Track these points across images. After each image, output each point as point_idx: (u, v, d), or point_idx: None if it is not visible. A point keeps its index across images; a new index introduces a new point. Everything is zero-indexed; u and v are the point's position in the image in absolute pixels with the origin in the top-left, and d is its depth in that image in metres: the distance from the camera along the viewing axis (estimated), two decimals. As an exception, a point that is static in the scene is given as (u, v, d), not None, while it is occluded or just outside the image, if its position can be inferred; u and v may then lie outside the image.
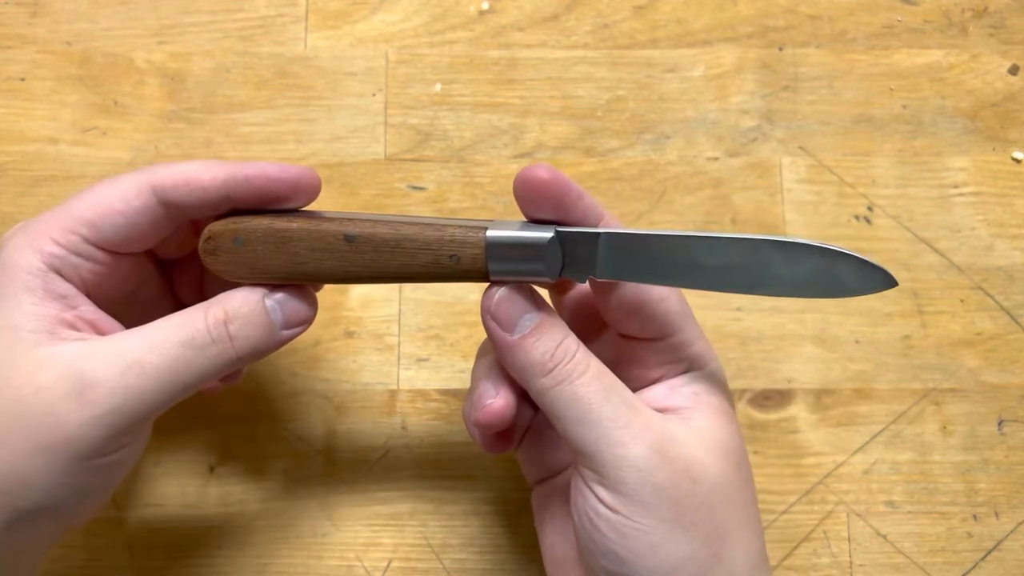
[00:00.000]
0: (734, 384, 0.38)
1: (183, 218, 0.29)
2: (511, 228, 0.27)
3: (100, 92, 0.41)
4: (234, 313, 0.28)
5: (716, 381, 0.30)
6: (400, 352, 0.38)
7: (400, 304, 0.39)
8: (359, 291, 0.39)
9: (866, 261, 0.26)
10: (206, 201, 0.28)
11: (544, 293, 0.30)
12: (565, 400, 0.26)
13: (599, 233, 0.27)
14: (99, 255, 0.28)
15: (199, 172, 0.28)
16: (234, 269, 0.28)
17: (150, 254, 0.31)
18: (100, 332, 0.28)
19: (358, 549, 0.37)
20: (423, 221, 0.28)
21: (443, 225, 0.28)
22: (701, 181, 0.40)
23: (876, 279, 0.26)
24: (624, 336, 0.30)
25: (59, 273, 0.27)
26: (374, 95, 0.41)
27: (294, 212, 0.29)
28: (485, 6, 0.42)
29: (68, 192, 0.39)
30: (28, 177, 0.40)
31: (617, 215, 0.40)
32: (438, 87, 0.41)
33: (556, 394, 0.26)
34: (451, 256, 0.27)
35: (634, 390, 0.28)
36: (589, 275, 0.28)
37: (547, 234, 0.27)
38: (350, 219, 0.28)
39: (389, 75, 0.41)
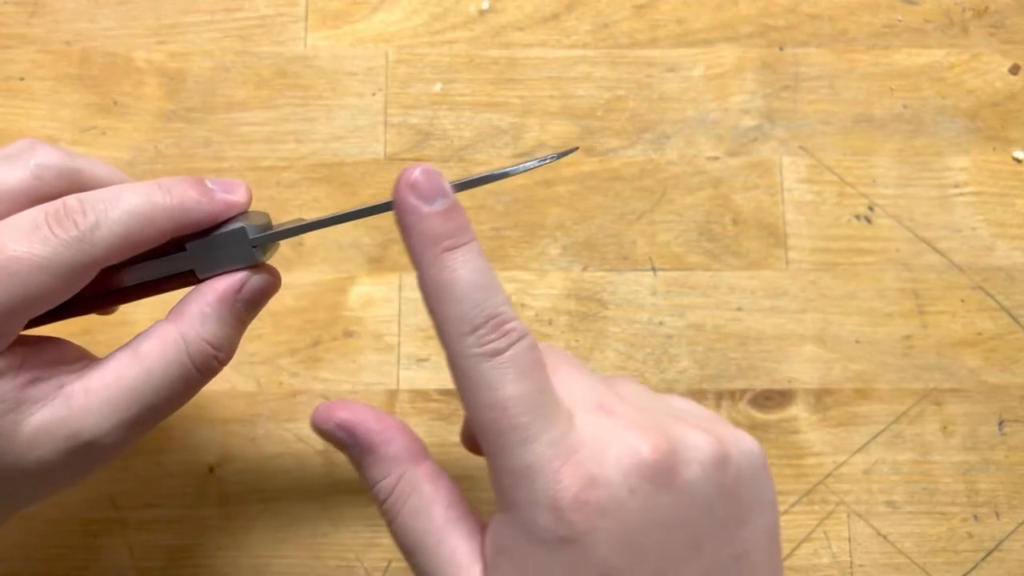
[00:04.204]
0: (734, 384, 0.38)
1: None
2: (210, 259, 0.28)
3: (100, 92, 0.41)
4: (219, 344, 0.27)
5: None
6: (400, 352, 0.38)
7: (400, 304, 0.39)
8: (359, 291, 0.39)
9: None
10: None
11: None
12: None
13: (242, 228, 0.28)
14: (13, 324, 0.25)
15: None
16: None
17: None
18: (60, 362, 0.26)
19: (358, 549, 0.37)
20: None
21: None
22: (701, 181, 0.40)
23: None
24: None
25: None
26: (374, 95, 0.41)
27: None
28: (485, 5, 0.42)
29: (68, 192, 0.39)
30: (28, 177, 0.40)
31: (617, 215, 0.40)
32: (438, 87, 0.41)
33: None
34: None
35: None
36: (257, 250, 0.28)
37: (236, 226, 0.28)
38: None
39: (389, 75, 0.41)
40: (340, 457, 0.37)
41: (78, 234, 0.24)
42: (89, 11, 0.41)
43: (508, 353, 0.24)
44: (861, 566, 0.37)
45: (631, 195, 0.40)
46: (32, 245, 0.24)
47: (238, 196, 0.28)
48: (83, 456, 0.25)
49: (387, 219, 0.39)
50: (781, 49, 0.41)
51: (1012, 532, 0.37)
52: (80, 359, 0.27)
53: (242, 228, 0.28)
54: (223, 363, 0.27)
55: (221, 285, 0.27)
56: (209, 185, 0.27)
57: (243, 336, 0.29)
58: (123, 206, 0.25)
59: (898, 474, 0.37)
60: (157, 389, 0.26)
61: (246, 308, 0.28)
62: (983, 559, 0.37)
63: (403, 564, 0.36)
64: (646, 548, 0.22)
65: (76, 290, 0.25)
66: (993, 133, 0.40)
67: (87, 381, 0.26)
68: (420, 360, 0.38)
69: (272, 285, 0.28)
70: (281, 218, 0.37)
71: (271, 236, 0.28)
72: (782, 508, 0.37)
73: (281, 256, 0.38)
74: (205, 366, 0.26)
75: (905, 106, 0.41)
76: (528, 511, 0.23)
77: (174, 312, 0.27)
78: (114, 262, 0.26)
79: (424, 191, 0.25)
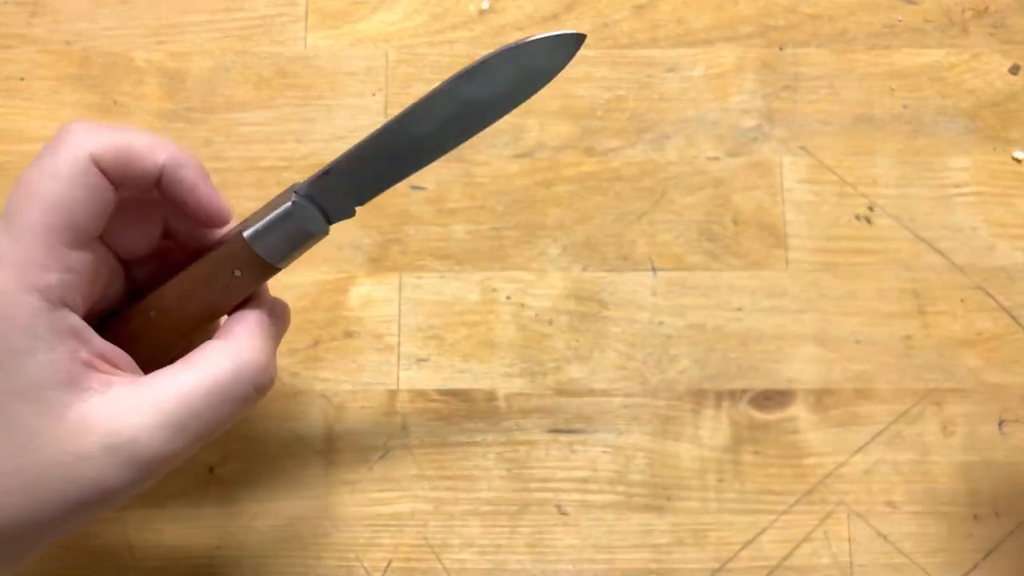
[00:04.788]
0: (734, 384, 0.38)
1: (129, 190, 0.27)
2: (260, 216, 0.28)
3: (100, 92, 0.41)
4: (268, 364, 0.28)
5: None
6: (400, 352, 0.38)
7: (400, 304, 0.39)
8: (359, 291, 0.39)
9: (541, 37, 0.27)
10: (144, 184, 0.26)
11: None
12: None
13: (328, 171, 0.28)
14: (76, 259, 0.25)
15: (141, 151, 0.26)
16: None
17: (112, 251, 0.29)
18: (113, 364, 0.26)
19: (358, 549, 0.37)
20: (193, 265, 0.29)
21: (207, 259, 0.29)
22: (701, 181, 0.40)
23: (562, 44, 0.27)
24: None
25: (64, 304, 0.24)
26: (374, 95, 0.41)
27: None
28: (485, 5, 0.42)
29: (68, 192, 0.39)
30: (28, 177, 0.40)
31: (617, 215, 0.40)
32: (438, 87, 0.41)
33: None
34: (234, 271, 0.28)
35: None
36: (353, 206, 0.29)
37: (287, 203, 0.28)
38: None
39: (389, 75, 0.41)
40: (340, 457, 0.37)
41: None
42: (89, 11, 0.41)
43: None
44: (861, 566, 0.37)
45: (631, 195, 0.40)
46: None
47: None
48: (122, 460, 0.24)
49: (387, 219, 0.39)
50: (781, 49, 0.41)
51: (1012, 532, 0.37)
52: (133, 371, 0.27)
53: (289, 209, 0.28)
54: (272, 380, 0.28)
55: (257, 309, 0.29)
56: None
57: None
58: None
59: (898, 474, 0.37)
60: (208, 404, 0.26)
61: (280, 336, 0.30)
62: (983, 559, 0.37)
63: (403, 564, 0.36)
64: None
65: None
66: (993, 133, 0.40)
67: (136, 384, 0.26)
68: (420, 360, 0.38)
69: (286, 307, 0.31)
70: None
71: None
72: (782, 508, 0.37)
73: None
74: (258, 378, 0.27)
75: (905, 106, 0.41)
76: None
77: (222, 332, 0.28)
78: None
79: None
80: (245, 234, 0.28)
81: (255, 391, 0.27)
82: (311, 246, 0.29)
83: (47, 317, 0.24)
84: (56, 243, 0.24)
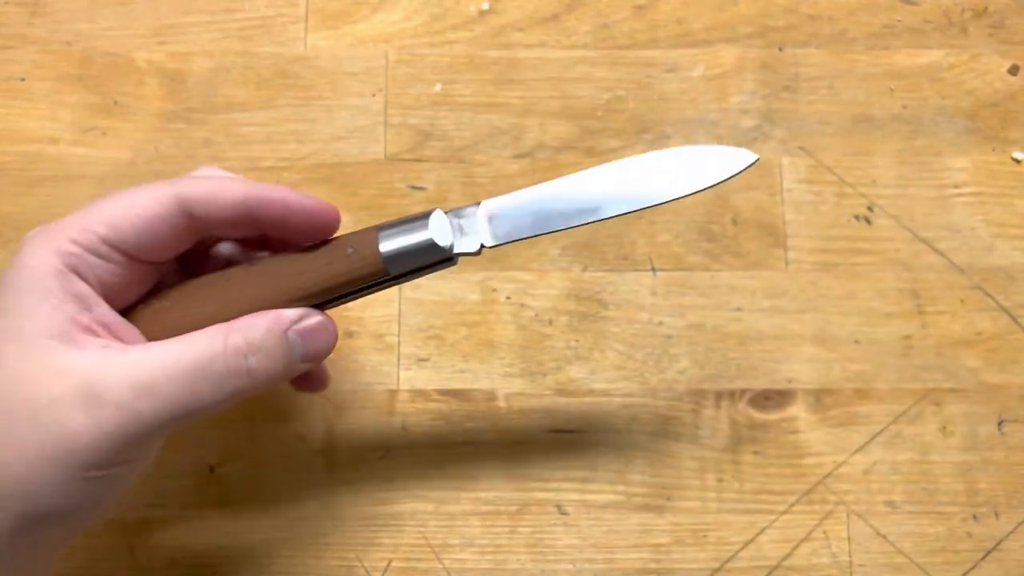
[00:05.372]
0: (734, 384, 0.38)
1: (205, 232, 0.29)
2: (397, 224, 0.29)
3: (100, 92, 0.41)
4: (257, 345, 0.27)
5: None
6: (400, 352, 0.38)
7: (400, 304, 0.39)
8: (359, 291, 0.39)
9: (723, 149, 0.29)
10: (227, 219, 0.28)
11: None
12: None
13: (479, 204, 0.29)
14: (117, 257, 0.27)
15: (223, 188, 0.28)
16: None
17: (175, 259, 0.31)
18: (117, 337, 0.27)
19: (358, 549, 0.37)
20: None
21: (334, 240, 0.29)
22: (701, 181, 0.40)
23: (737, 162, 0.29)
24: None
25: (76, 273, 0.27)
26: (374, 95, 0.41)
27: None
28: (485, 6, 0.42)
29: (68, 192, 0.39)
30: (28, 177, 0.40)
31: (617, 215, 0.40)
32: (438, 87, 0.41)
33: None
34: (347, 248, 0.28)
35: None
36: (480, 245, 0.29)
37: (431, 210, 0.28)
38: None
39: (389, 75, 0.41)
40: (340, 457, 0.37)
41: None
42: (89, 11, 0.41)
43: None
44: (861, 566, 0.37)
45: (631, 195, 0.40)
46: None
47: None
48: (90, 410, 0.25)
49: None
50: (781, 49, 0.41)
51: (1011, 532, 0.37)
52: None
53: (431, 240, 0.28)
54: (255, 377, 0.27)
55: (285, 311, 0.28)
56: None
57: None
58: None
59: (897, 474, 0.37)
60: (182, 372, 0.26)
61: (299, 343, 0.28)
62: (982, 559, 0.37)
63: (403, 564, 0.36)
64: None
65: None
66: (992, 133, 0.40)
67: (125, 350, 0.26)
68: (420, 360, 0.38)
69: (324, 329, 0.29)
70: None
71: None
72: (782, 508, 0.37)
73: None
74: (235, 360, 0.27)
75: (904, 106, 0.41)
76: None
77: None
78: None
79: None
80: (380, 225, 0.29)
81: (226, 373, 0.27)
82: (427, 265, 0.29)
83: (59, 278, 0.26)
84: (93, 229, 0.27)
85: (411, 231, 0.28)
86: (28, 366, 0.25)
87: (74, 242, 0.27)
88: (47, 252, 0.26)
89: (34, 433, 0.25)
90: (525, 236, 0.29)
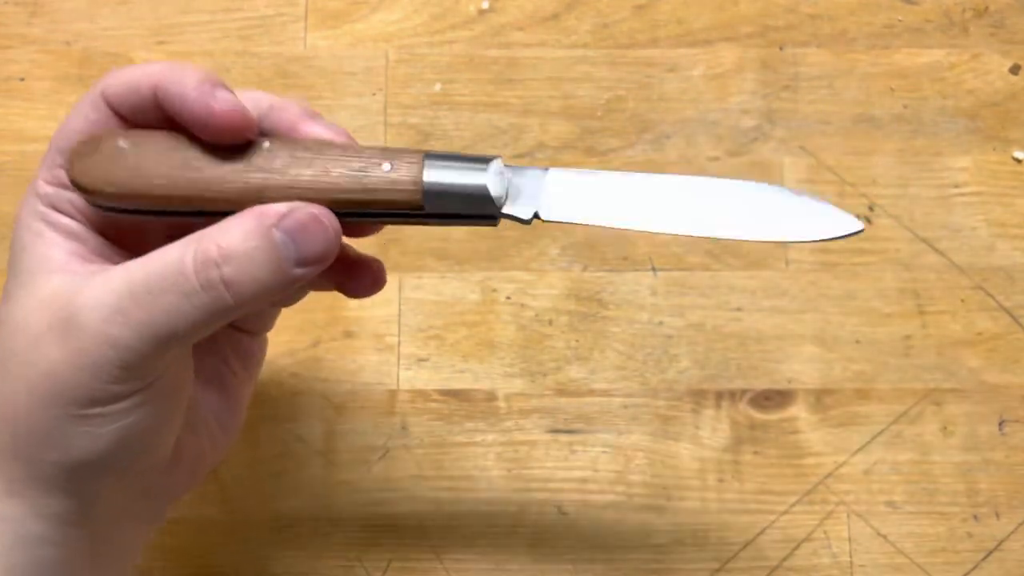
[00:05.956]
0: (734, 384, 0.38)
1: (154, 124, 0.26)
2: (449, 158, 0.25)
3: (100, 92, 0.41)
4: (230, 251, 0.23)
5: None
6: (400, 352, 0.38)
7: (400, 304, 0.39)
8: (359, 291, 0.39)
9: (827, 207, 0.26)
10: (150, 108, 0.25)
11: None
12: None
13: (547, 170, 0.26)
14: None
15: (138, 77, 0.24)
16: (107, 178, 0.24)
17: None
18: (111, 260, 0.26)
19: (358, 549, 0.37)
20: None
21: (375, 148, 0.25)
22: (701, 181, 0.40)
23: (838, 225, 0.26)
24: None
25: (57, 210, 0.25)
26: (374, 95, 0.41)
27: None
28: (485, 5, 0.42)
29: (68, 192, 0.39)
30: (28, 177, 0.39)
31: (617, 215, 0.40)
32: (438, 87, 0.41)
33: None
34: (383, 163, 0.25)
35: None
36: (534, 213, 0.26)
37: (488, 166, 0.25)
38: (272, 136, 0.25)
39: (389, 75, 0.41)
40: (340, 457, 0.37)
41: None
42: (89, 11, 0.41)
43: None
44: (861, 566, 0.37)
45: (631, 195, 0.40)
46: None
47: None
48: (64, 337, 0.23)
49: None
50: (781, 49, 0.41)
51: (1012, 532, 0.37)
52: None
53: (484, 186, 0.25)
54: (236, 289, 0.23)
55: (269, 209, 0.24)
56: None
57: None
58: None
59: (898, 474, 0.37)
60: (148, 289, 0.23)
61: (289, 243, 0.24)
62: (983, 559, 0.37)
63: (403, 564, 0.36)
64: None
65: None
66: (993, 133, 0.40)
67: (107, 268, 0.24)
68: (420, 360, 0.38)
69: (317, 222, 0.24)
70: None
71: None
72: (782, 508, 0.37)
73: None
74: (203, 272, 0.23)
75: (905, 106, 0.41)
76: None
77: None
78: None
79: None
80: (427, 153, 0.25)
81: (195, 281, 0.23)
82: (468, 215, 0.26)
83: (44, 219, 0.25)
84: (55, 162, 0.25)
85: (465, 170, 0.25)
86: (31, 303, 0.24)
87: (46, 182, 0.25)
88: (30, 198, 0.26)
89: (26, 374, 0.24)
90: (582, 223, 0.26)
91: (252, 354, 0.32)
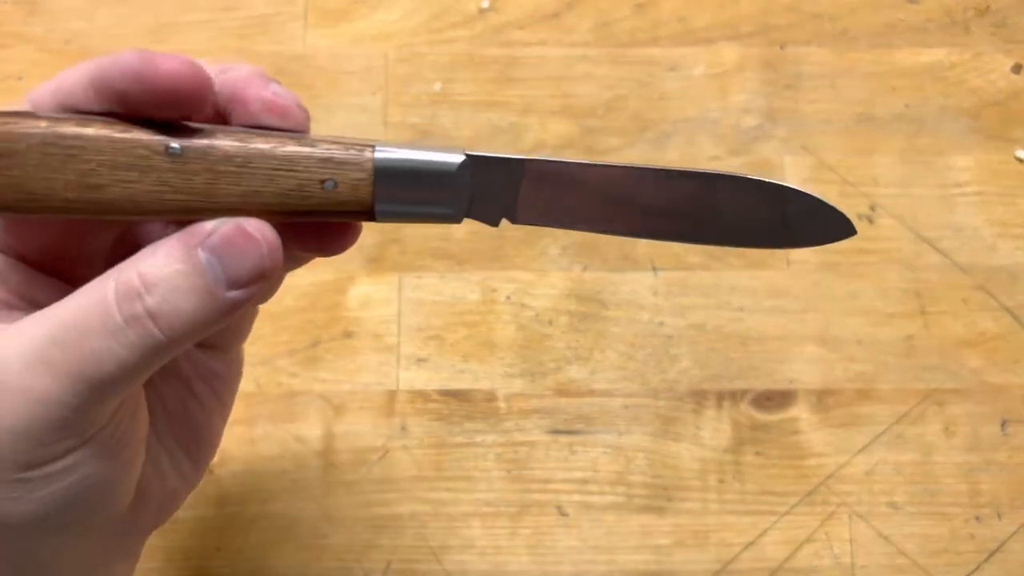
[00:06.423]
0: (735, 384, 0.38)
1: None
2: (405, 149, 0.22)
3: (98, 91, 0.40)
4: (151, 279, 0.20)
5: None
6: (399, 352, 0.38)
7: (400, 304, 0.39)
8: (358, 291, 0.39)
9: (823, 203, 0.23)
10: (79, 107, 0.21)
11: None
12: None
13: (524, 160, 0.22)
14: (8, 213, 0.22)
15: (68, 76, 0.21)
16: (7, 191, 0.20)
17: None
18: (36, 303, 0.22)
19: (357, 551, 0.37)
20: (285, 135, 0.22)
21: (314, 140, 0.22)
22: (702, 180, 0.40)
23: (833, 226, 0.23)
24: None
25: None
26: (374, 94, 0.41)
27: (100, 114, 0.21)
28: (485, 4, 0.42)
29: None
30: (26, 176, 0.40)
31: (618, 215, 0.40)
32: (438, 86, 0.41)
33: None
34: (324, 182, 0.21)
35: None
36: (504, 217, 0.23)
37: (455, 158, 0.21)
38: (178, 128, 0.21)
39: (388, 74, 0.41)
40: (339, 458, 0.37)
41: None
42: (87, 10, 0.41)
43: None
44: (863, 567, 0.36)
45: (632, 195, 0.40)
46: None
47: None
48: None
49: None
50: (782, 48, 0.41)
51: (1014, 533, 0.37)
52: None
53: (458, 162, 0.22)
54: (164, 323, 0.20)
55: (198, 224, 0.21)
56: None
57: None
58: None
59: (900, 475, 0.37)
60: (68, 332, 0.20)
61: (214, 263, 0.21)
62: (985, 560, 0.37)
63: (403, 565, 0.36)
64: None
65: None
66: (995, 132, 0.40)
67: (32, 317, 0.21)
68: (420, 360, 0.38)
69: (242, 235, 0.21)
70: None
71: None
72: (784, 509, 0.37)
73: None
74: (126, 305, 0.20)
75: (907, 105, 0.41)
76: None
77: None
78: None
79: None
80: (377, 153, 0.22)
81: (119, 317, 0.20)
82: (425, 218, 0.22)
83: None
84: None
85: (423, 184, 0.22)
86: None
87: None
88: None
89: None
90: (553, 225, 0.23)
91: (220, 375, 0.28)
